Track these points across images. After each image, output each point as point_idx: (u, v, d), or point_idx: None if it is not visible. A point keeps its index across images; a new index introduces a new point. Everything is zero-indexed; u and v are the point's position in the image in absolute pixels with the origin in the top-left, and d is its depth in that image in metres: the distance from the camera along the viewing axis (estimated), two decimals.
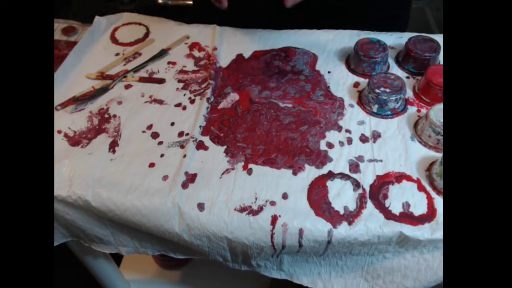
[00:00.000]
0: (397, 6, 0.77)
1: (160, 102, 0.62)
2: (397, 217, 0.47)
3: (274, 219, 0.48)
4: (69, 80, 0.66)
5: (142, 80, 0.66)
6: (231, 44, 0.72)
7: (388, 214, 0.47)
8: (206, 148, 0.56)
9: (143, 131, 0.58)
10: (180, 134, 0.57)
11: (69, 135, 0.58)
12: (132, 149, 0.56)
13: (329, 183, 0.51)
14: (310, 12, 0.73)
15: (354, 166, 0.52)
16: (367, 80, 0.63)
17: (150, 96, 0.63)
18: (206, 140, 0.57)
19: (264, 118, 0.59)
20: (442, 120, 0.51)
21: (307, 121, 0.58)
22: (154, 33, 0.76)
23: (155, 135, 0.57)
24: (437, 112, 0.52)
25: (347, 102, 0.61)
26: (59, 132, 0.58)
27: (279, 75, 0.66)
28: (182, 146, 0.56)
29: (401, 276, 0.51)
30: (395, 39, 0.70)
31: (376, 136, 0.56)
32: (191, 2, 0.85)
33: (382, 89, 0.57)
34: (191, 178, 0.52)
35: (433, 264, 0.48)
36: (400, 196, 0.49)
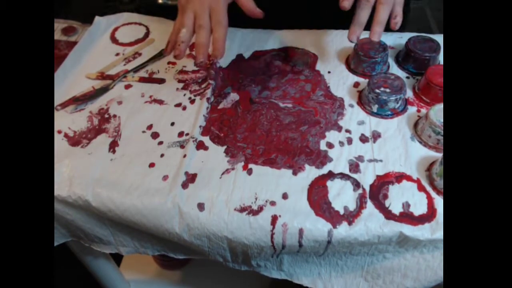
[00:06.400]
0: None
1: (160, 102, 0.62)
2: (397, 217, 0.47)
3: (274, 219, 0.48)
4: (69, 80, 0.66)
5: (142, 80, 0.66)
6: (231, 44, 0.72)
7: (388, 214, 0.47)
8: (206, 148, 0.56)
9: (143, 131, 0.58)
10: (180, 134, 0.57)
11: (69, 135, 0.58)
12: (132, 149, 0.56)
13: (329, 183, 0.51)
14: (310, 12, 0.73)
15: (354, 166, 0.52)
16: (367, 80, 0.63)
17: (150, 96, 0.63)
18: (206, 140, 0.57)
19: (264, 118, 0.59)
20: (442, 120, 0.51)
21: (307, 121, 0.58)
22: (154, 33, 0.76)
23: (155, 135, 0.57)
24: (437, 112, 0.52)
25: (347, 102, 0.61)
26: (59, 132, 0.58)
27: (279, 75, 0.66)
28: (182, 146, 0.56)
29: (401, 276, 0.51)
30: (395, 39, 0.70)
31: (376, 136, 0.56)
32: None
33: (382, 89, 0.57)
34: (191, 178, 0.52)
35: (433, 264, 0.48)
36: (400, 196, 0.49)
